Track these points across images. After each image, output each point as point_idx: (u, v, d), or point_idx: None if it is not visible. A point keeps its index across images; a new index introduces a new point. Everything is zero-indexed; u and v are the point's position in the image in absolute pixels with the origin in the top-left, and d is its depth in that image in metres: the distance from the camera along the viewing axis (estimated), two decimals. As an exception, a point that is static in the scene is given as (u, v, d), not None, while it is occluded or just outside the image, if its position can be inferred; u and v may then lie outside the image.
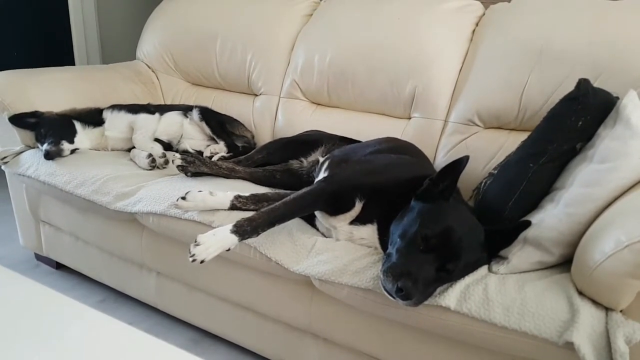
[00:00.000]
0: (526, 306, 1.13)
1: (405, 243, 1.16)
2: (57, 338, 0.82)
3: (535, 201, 1.35)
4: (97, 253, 1.98)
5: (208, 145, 2.11)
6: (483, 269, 1.25)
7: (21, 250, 2.30)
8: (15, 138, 2.03)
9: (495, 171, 1.51)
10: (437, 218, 1.19)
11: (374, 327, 1.37)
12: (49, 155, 1.87)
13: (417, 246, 1.15)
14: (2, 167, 2.02)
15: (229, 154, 2.02)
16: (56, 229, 2.09)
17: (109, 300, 2.05)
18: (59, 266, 2.22)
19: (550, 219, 1.26)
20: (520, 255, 1.26)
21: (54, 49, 3.65)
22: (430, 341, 1.29)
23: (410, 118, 1.99)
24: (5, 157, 1.97)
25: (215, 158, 1.96)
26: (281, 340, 1.60)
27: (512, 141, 1.72)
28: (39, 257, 2.29)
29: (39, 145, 1.93)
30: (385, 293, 1.14)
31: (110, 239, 1.90)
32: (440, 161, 1.85)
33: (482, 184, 1.52)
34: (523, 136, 1.63)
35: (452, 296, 1.17)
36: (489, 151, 1.78)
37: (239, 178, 1.77)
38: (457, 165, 1.21)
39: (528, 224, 1.26)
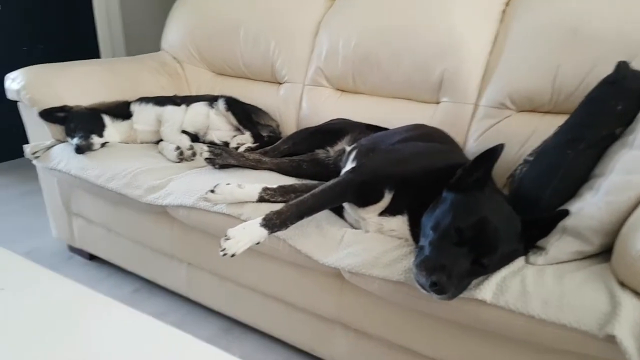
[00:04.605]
0: (565, 298, 1.10)
1: (438, 235, 1.13)
2: (83, 331, 0.83)
3: (573, 189, 1.29)
4: (129, 244, 2.01)
5: (234, 136, 2.10)
6: (520, 261, 1.21)
7: (55, 242, 2.36)
8: (45, 132, 2.06)
9: (531, 158, 1.46)
10: (472, 209, 1.15)
11: (405, 319, 1.35)
12: (79, 150, 1.89)
13: (451, 238, 1.12)
14: (34, 162, 2.06)
15: (255, 145, 2.01)
16: (88, 221, 2.12)
17: (142, 290, 2.08)
18: (92, 257, 2.27)
19: (590, 208, 1.21)
20: (558, 245, 1.21)
21: (79, 43, 3.70)
22: (464, 334, 1.27)
23: (438, 103, 1.94)
24: (36, 152, 2.00)
25: (241, 149, 1.95)
26: (311, 330, 1.60)
27: (546, 125, 1.66)
28: (72, 249, 2.33)
29: (69, 140, 1.96)
30: (419, 287, 1.12)
31: (141, 231, 1.92)
32: (470, 147, 1.81)
33: (517, 171, 1.47)
34: (557, 119, 1.59)
35: (488, 289, 1.14)
36: (522, 135, 1.72)
37: (265, 169, 1.77)
38: (492, 154, 1.16)
39: (566, 213, 1.21)
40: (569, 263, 1.21)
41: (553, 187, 1.29)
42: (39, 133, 2.09)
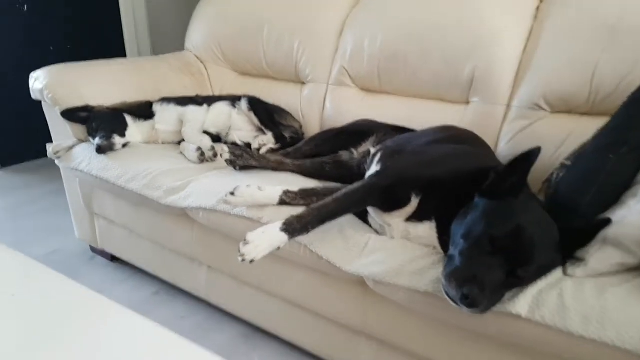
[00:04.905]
0: (607, 314, 1.01)
1: (469, 244, 1.06)
2: (95, 340, 0.79)
3: (615, 196, 1.20)
4: (150, 246, 1.99)
5: (256, 137, 2.06)
6: (557, 272, 1.13)
7: (78, 243, 2.35)
8: (68, 132, 2.05)
9: (569, 162, 1.37)
10: (506, 216, 1.08)
11: (432, 331, 1.29)
12: (101, 150, 1.87)
13: (484, 248, 1.04)
14: (56, 162, 2.05)
15: (277, 145, 1.96)
16: (110, 222, 2.11)
17: (162, 293, 2.06)
18: (113, 258, 2.26)
19: (633, 216, 1.12)
20: (598, 256, 1.12)
21: (105, 42, 3.72)
22: (495, 349, 1.19)
23: (468, 103, 1.86)
24: (58, 152, 2.00)
25: (263, 150, 1.91)
26: (333, 340, 1.54)
27: (582, 127, 1.58)
28: (94, 250, 2.33)
29: (91, 140, 1.94)
30: (449, 299, 1.05)
31: (162, 233, 1.90)
32: (502, 150, 1.72)
33: (554, 175, 1.38)
34: (595, 121, 1.50)
35: (523, 302, 1.06)
36: (557, 138, 1.63)
37: (287, 171, 1.72)
38: (528, 158, 1.08)
39: (608, 221, 1.12)
40: (611, 276, 1.12)
41: (593, 194, 1.21)
42: (62, 133, 2.09)
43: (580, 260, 1.15)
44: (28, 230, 2.59)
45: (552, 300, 1.06)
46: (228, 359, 1.80)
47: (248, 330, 1.82)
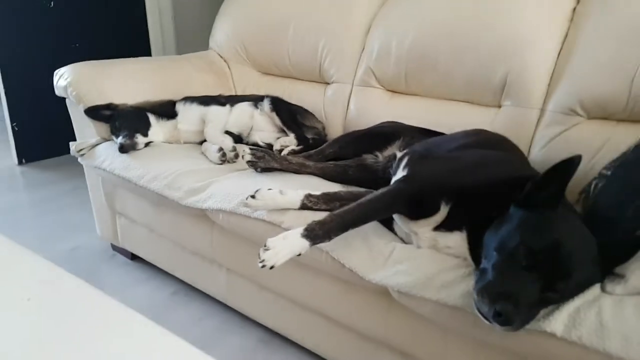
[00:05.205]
0: (649, 335, 0.95)
1: (503, 258, 1.00)
2: (105, 345, 0.76)
3: (659, 209, 1.13)
4: (170, 246, 1.97)
5: (278, 138, 2.02)
6: (595, 289, 1.06)
7: (98, 240, 2.35)
8: (92, 130, 2.04)
9: (608, 172, 1.29)
10: (543, 229, 1.01)
11: (460, 346, 1.22)
12: (123, 149, 1.86)
13: (519, 262, 0.98)
14: (79, 160, 2.05)
15: (299, 147, 1.92)
16: (131, 220, 2.10)
17: (180, 294, 2.04)
18: (134, 257, 2.25)
19: (679, 231, 1.05)
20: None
21: (130, 40, 3.73)
22: (527, 367, 1.13)
23: (500, 106, 1.79)
24: (81, 150, 1.99)
25: (285, 152, 1.87)
26: (355, 350, 1.49)
27: (620, 134, 1.51)
28: (115, 248, 2.32)
29: (114, 138, 1.93)
30: (480, 316, 0.99)
31: (182, 233, 1.87)
32: (535, 156, 1.65)
33: (592, 186, 1.31)
34: (633, 128, 1.45)
35: (559, 321, 1.00)
36: (594, 146, 1.55)
37: (309, 174, 1.67)
38: (568, 167, 1.01)
39: (651, 236, 1.06)
40: (653, 294, 1.05)
41: (635, 207, 1.13)
42: (85, 131, 2.09)
43: (620, 276, 1.08)
44: (50, 226, 2.61)
45: (590, 319, 0.99)
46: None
47: (266, 335, 1.78)
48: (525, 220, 1.04)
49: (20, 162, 3.48)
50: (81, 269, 2.20)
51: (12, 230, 2.54)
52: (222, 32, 2.56)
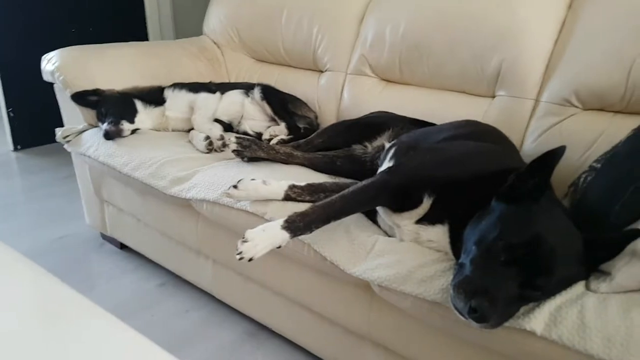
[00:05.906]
0: (633, 336, 0.91)
1: (482, 252, 0.97)
2: (70, 343, 0.73)
3: (649, 205, 1.09)
4: (157, 236, 1.94)
5: (269, 127, 1.98)
6: (579, 286, 1.02)
7: (88, 228, 2.33)
8: (79, 116, 2.01)
9: (599, 165, 1.25)
10: (524, 223, 0.98)
11: (441, 342, 1.19)
12: (108, 136, 1.83)
13: (497, 257, 0.95)
14: (65, 146, 2.02)
15: (288, 137, 1.88)
16: (119, 209, 2.08)
17: (168, 285, 2.01)
18: (123, 246, 2.22)
19: (668, 228, 1.01)
20: (626, 270, 1.01)
21: (128, 26, 3.69)
22: (508, 365, 1.10)
23: (494, 97, 1.75)
24: (67, 136, 1.96)
25: (274, 141, 1.83)
26: (338, 343, 1.47)
27: (616, 126, 1.47)
28: (104, 237, 2.30)
29: (100, 125, 1.90)
30: (456, 312, 0.96)
31: (168, 223, 1.85)
32: (528, 148, 1.61)
33: (581, 179, 1.27)
34: (629, 120, 1.40)
35: (539, 318, 0.97)
36: (588, 137, 1.51)
37: (297, 164, 1.64)
38: (550, 158, 0.98)
39: (638, 233, 1.01)
40: (638, 293, 1.01)
41: (624, 202, 1.09)
42: (73, 117, 2.06)
43: (605, 274, 1.04)
44: (41, 213, 2.59)
45: (572, 317, 0.96)
46: (232, 356, 1.74)
47: (253, 327, 1.76)
48: (506, 213, 1.01)
49: (15, 149, 3.46)
50: (69, 258, 2.18)
51: (4, 217, 2.53)
52: (215, 17, 2.51)
